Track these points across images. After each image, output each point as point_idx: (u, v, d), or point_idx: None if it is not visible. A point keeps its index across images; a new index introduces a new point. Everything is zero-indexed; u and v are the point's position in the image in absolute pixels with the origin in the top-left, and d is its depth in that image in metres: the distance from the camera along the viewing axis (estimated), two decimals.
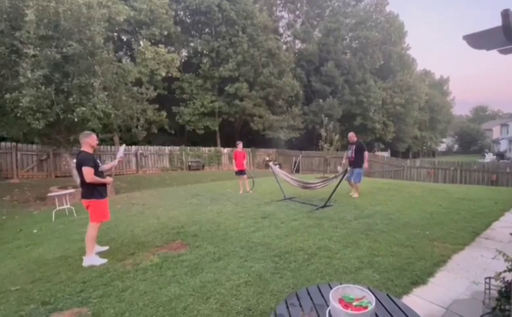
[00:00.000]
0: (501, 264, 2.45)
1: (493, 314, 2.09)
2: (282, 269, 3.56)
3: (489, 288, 2.35)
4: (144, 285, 3.25)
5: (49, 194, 7.91)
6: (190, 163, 19.19)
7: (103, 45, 8.98)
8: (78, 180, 9.36)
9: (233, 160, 9.58)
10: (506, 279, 2.11)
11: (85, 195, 4.08)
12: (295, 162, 21.78)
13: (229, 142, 22.80)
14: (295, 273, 3.43)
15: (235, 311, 2.71)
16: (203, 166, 19.71)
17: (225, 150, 21.07)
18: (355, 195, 7.98)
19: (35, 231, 5.64)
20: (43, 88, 7.27)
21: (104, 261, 3.95)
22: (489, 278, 2.36)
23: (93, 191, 4.05)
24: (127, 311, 2.77)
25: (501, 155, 35.97)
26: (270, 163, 9.64)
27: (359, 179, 7.92)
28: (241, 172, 9.41)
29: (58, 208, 6.69)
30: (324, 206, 6.72)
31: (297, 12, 30.37)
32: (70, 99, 7.67)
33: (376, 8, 30.46)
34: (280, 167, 18.82)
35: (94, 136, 4.28)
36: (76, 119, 7.67)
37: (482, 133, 54.00)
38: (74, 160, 9.58)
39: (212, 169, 20.00)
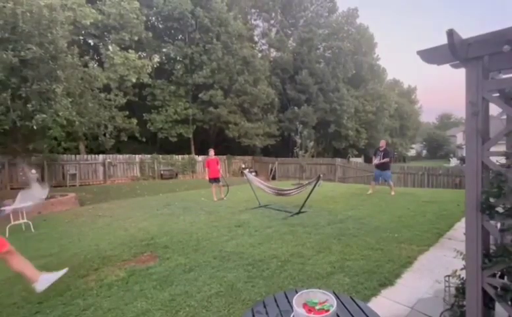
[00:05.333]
0: (461, 262, 2.58)
1: (452, 310, 2.18)
2: (254, 277, 3.51)
3: (449, 286, 2.46)
4: (109, 302, 3.07)
5: (2, 208, 7.25)
6: (162, 172, 18.62)
7: (67, 49, 8.51)
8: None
9: (207, 169, 9.44)
10: (462, 277, 2.22)
11: None
12: (272, 169, 21.92)
13: (204, 150, 22.38)
14: (268, 281, 3.41)
15: None
16: (176, 174, 19.22)
17: (200, 157, 20.72)
18: (393, 192, 9.36)
19: None
20: None
21: (63, 271, 3.55)
22: (448, 276, 2.47)
23: None
24: None
25: (463, 160, 38.43)
26: (246, 171, 9.62)
27: (390, 178, 9.67)
28: (215, 180, 9.29)
29: (13, 223, 6.15)
30: (299, 212, 6.78)
31: (272, 22, 30.94)
32: (29, 105, 7.15)
33: (347, 20, 31.83)
34: (256, 174, 18.86)
35: None
36: (35, 127, 7.14)
37: (447, 139, 57.68)
38: (33, 171, 9.02)
39: (186, 177, 19.56)
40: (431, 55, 2.01)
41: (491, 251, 1.97)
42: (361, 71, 32.29)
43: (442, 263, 3.89)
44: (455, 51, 1.76)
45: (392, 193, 9.33)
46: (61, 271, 3.47)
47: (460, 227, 5.65)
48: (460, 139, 55.09)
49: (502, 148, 2.65)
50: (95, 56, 16.09)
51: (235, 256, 4.18)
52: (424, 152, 64.04)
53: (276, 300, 1.81)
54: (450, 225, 5.73)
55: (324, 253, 4.25)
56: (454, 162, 35.65)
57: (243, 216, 6.66)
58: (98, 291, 3.31)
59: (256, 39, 30.50)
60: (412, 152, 60.40)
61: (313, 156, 21.44)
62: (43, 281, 3.20)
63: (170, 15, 19.33)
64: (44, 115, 7.12)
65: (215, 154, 9.70)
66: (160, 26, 21.69)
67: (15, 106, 7.26)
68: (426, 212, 6.84)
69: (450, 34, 1.72)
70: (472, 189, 1.88)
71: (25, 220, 6.33)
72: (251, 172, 13.06)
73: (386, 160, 9.38)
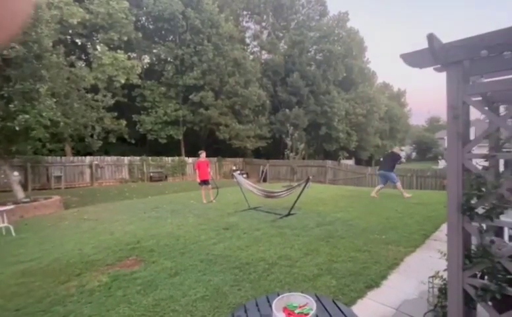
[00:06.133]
0: (445, 263, 2.60)
1: (435, 311, 2.20)
2: (241, 281, 3.47)
3: (432, 287, 2.48)
4: (89, 308, 2.97)
5: None
6: (151, 174, 18.37)
7: (53, 48, 8.30)
8: (19, 195, 8.53)
9: (197, 171, 9.36)
10: (444, 277, 2.24)
11: None
12: (263, 171, 21.91)
13: (194, 152, 22.24)
14: (255, 284, 3.37)
15: None
16: (166, 176, 18.99)
17: (190, 159, 20.55)
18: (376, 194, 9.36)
19: None
20: None
21: None
22: (432, 277, 2.49)
23: None
24: None
25: None
26: (236, 173, 9.56)
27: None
28: (205, 182, 9.21)
29: None
30: (288, 214, 6.77)
31: (264, 24, 31.06)
32: (11, 106, 6.92)
33: (338, 24, 32.25)
34: (247, 176, 18.80)
35: None
36: (17, 128, 6.91)
37: (436, 142, 58.83)
38: (15, 173, 8.74)
39: (175, 180, 19.35)
40: (413, 59, 2.03)
41: (472, 252, 1.99)
42: (352, 74, 32.72)
43: (428, 264, 3.93)
44: (435, 55, 1.78)
45: (375, 195, 9.39)
46: None
47: (445, 228, 5.73)
48: None
49: (486, 151, 2.69)
50: (82, 56, 15.79)
51: (222, 259, 4.13)
52: (414, 154, 65.22)
53: (257, 304, 1.78)
54: (436, 226, 5.81)
55: (311, 255, 4.24)
56: (442, 164, 36.44)
57: (231, 219, 6.61)
58: (79, 297, 3.20)
59: (247, 41, 30.58)
60: (402, 155, 61.25)
61: (303, 158, 21.55)
62: None
63: (160, 16, 19.16)
64: (27, 116, 6.89)
65: (206, 156, 9.63)
66: (150, 26, 21.48)
67: None
68: (414, 213, 6.93)
69: (431, 38, 1.73)
70: (453, 190, 1.89)
71: (5, 224, 6.12)
72: (241, 174, 13.01)
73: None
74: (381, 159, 10.13)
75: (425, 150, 58.51)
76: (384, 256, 4.19)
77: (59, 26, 10.02)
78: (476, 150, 1.92)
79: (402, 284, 3.38)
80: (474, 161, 1.92)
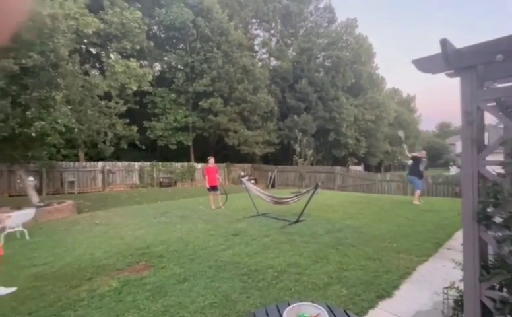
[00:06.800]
0: (460, 273, 2.52)
1: None
2: (250, 288, 3.45)
3: (447, 298, 2.41)
4: (99, 314, 3.00)
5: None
6: (161, 179, 18.58)
7: (69, 57, 8.58)
8: (34, 199, 8.76)
9: (206, 176, 9.43)
10: (460, 289, 2.17)
11: None
12: (271, 177, 21.85)
13: (203, 158, 22.38)
14: (264, 292, 3.34)
15: None
16: (175, 182, 19.17)
17: (199, 165, 20.70)
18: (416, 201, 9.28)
19: None
20: None
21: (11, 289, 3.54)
22: (447, 288, 2.42)
23: None
24: None
25: None
26: (244, 178, 9.55)
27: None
28: (214, 188, 9.25)
29: (8, 230, 6.09)
30: (297, 221, 6.71)
31: (272, 31, 31.31)
32: (28, 113, 7.16)
33: (346, 30, 32.18)
34: (256, 182, 18.79)
35: None
36: (34, 134, 7.14)
37: (447, 148, 57.56)
38: (30, 178, 8.99)
39: (184, 185, 19.49)
40: (425, 64, 2.01)
41: (489, 262, 1.92)
42: (360, 80, 32.47)
43: (441, 274, 3.82)
44: (448, 60, 1.75)
45: (416, 202, 9.26)
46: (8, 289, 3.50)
47: (459, 237, 5.56)
48: (459, 147, 54.74)
49: (501, 157, 2.61)
50: (96, 64, 16.24)
51: (231, 266, 4.11)
52: (424, 160, 63.71)
53: (267, 313, 1.75)
54: (449, 235, 5.66)
55: (321, 263, 4.18)
56: (454, 170, 35.50)
57: (240, 225, 6.59)
58: (89, 302, 3.24)
59: (256, 48, 30.84)
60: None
61: (312, 164, 21.38)
62: None
63: (172, 25, 19.56)
64: (43, 123, 7.11)
65: (215, 162, 9.71)
66: (162, 35, 21.94)
67: (14, 113, 7.28)
68: (425, 221, 6.77)
69: (444, 43, 1.71)
70: (468, 198, 1.84)
71: (20, 228, 6.27)
72: (250, 180, 13.00)
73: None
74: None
75: (436, 156, 57.27)
76: (395, 265, 4.10)
77: (75, 35, 10.34)
78: (490, 157, 1.87)
79: (414, 295, 3.29)
80: (490, 168, 1.87)
